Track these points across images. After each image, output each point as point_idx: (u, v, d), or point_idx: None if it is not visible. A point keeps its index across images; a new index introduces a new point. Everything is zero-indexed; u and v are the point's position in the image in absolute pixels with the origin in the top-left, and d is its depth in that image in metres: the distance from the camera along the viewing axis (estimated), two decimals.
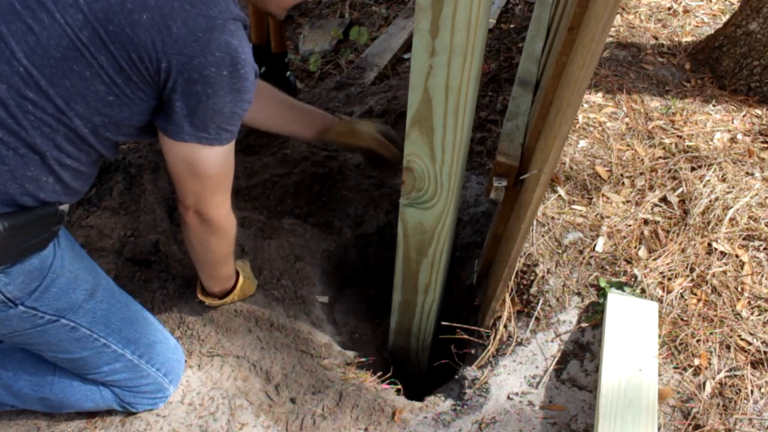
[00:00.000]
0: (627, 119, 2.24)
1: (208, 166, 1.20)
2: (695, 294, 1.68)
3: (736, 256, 1.75)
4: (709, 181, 1.96)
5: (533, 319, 1.69)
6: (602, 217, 1.87)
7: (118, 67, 1.02)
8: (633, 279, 1.71)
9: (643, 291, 1.68)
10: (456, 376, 1.74)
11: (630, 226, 1.85)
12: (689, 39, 2.69)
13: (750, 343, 1.56)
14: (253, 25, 2.17)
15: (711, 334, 1.58)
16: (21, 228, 1.07)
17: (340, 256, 2.18)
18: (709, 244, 1.78)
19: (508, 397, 1.56)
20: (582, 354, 1.61)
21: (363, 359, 1.77)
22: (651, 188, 1.96)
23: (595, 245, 1.80)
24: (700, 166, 2.02)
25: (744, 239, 1.79)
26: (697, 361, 1.54)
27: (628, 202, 1.93)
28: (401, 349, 1.99)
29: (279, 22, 2.15)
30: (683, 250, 1.77)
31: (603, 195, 1.95)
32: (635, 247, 1.79)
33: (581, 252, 1.79)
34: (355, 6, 3.67)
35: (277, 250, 1.94)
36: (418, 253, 1.55)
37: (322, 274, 2.05)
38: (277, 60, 2.28)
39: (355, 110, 2.53)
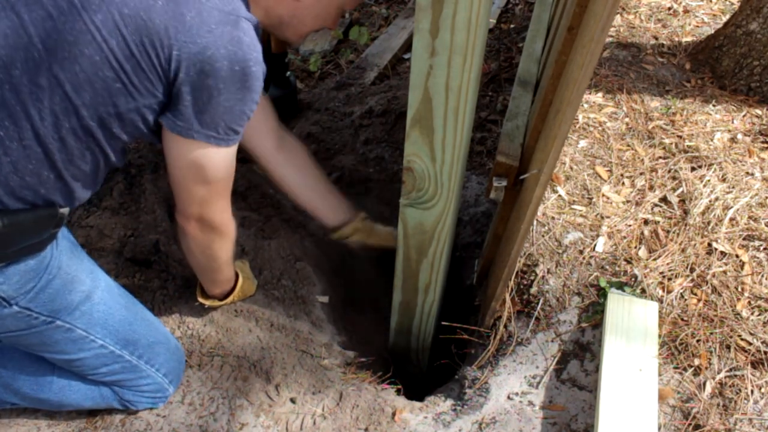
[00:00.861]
0: (627, 119, 2.24)
1: (215, 170, 1.18)
2: (695, 294, 1.68)
3: (736, 256, 1.75)
4: (709, 181, 1.96)
5: (533, 319, 1.69)
6: (602, 217, 1.87)
7: (128, 52, 1.02)
8: (633, 279, 1.71)
9: (643, 291, 1.68)
10: (456, 376, 1.74)
11: (630, 226, 1.85)
12: (689, 39, 2.69)
13: (750, 343, 1.56)
14: None
15: (711, 334, 1.58)
16: (19, 227, 1.06)
17: (340, 255, 2.18)
18: (709, 244, 1.78)
19: (508, 397, 1.56)
20: (582, 354, 1.61)
21: (363, 359, 1.77)
22: (651, 188, 1.96)
23: (595, 245, 1.80)
24: (700, 166, 2.02)
25: (744, 239, 1.79)
26: (697, 361, 1.54)
27: (628, 202, 1.93)
28: (401, 349, 1.99)
29: None
30: (683, 250, 1.77)
31: (603, 195, 1.95)
32: (635, 247, 1.79)
33: (581, 252, 1.79)
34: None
35: (277, 250, 1.94)
36: (418, 253, 1.55)
37: (322, 275, 2.05)
38: (277, 60, 2.28)
39: (355, 110, 2.53)
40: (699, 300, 1.66)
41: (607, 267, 1.75)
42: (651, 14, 2.86)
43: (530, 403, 1.54)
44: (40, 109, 1.02)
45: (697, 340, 1.57)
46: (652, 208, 1.90)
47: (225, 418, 1.54)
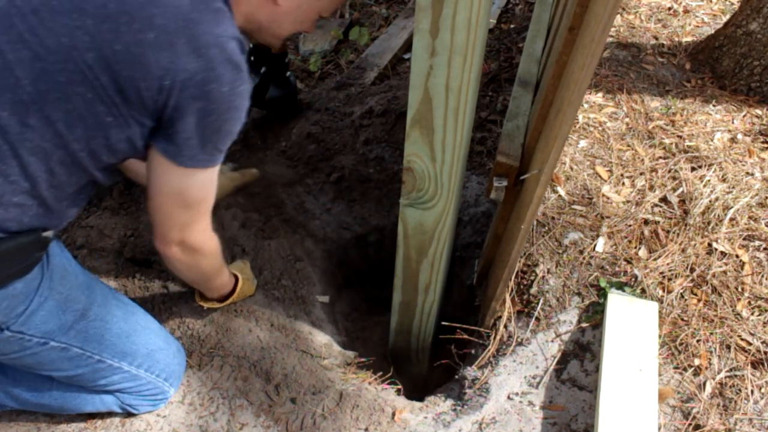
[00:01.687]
0: (627, 119, 2.24)
1: (198, 191, 1.17)
2: (695, 294, 1.67)
3: (736, 256, 1.75)
4: (709, 181, 1.96)
5: (533, 319, 1.69)
6: (602, 217, 1.87)
7: (118, 87, 1.01)
8: (633, 279, 1.71)
9: (643, 291, 1.68)
10: (456, 376, 1.74)
11: (630, 226, 1.85)
12: (689, 39, 2.69)
13: (750, 343, 1.56)
14: None
15: (711, 334, 1.58)
16: (2, 255, 1.05)
17: (340, 255, 2.18)
18: (710, 244, 1.78)
19: (509, 397, 1.56)
20: (582, 354, 1.61)
21: (363, 359, 1.77)
22: (651, 188, 1.96)
23: (595, 245, 1.80)
24: (700, 166, 2.02)
25: (744, 239, 1.79)
26: (697, 361, 1.54)
27: (628, 202, 1.93)
28: (401, 349, 1.99)
29: None
30: (683, 250, 1.77)
31: (603, 195, 1.95)
32: (635, 247, 1.79)
33: (581, 252, 1.79)
34: (355, 6, 3.67)
35: (277, 250, 1.94)
36: (418, 253, 1.55)
37: (322, 275, 2.05)
38: (277, 60, 2.28)
39: (355, 110, 2.53)
40: (699, 300, 1.66)
41: (607, 267, 1.75)
42: (651, 14, 2.86)
43: (530, 403, 1.54)
44: (29, 147, 1.01)
45: (697, 340, 1.57)
46: (652, 208, 1.90)
47: (225, 418, 1.54)
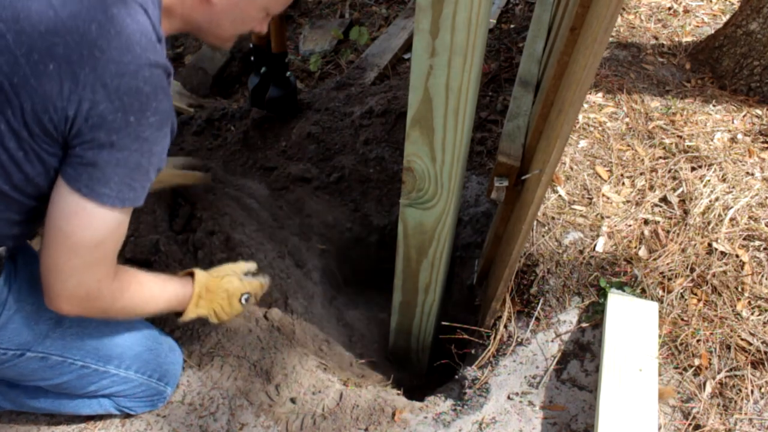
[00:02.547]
0: (627, 119, 2.24)
1: (96, 233, 1.04)
2: (695, 294, 1.68)
3: (736, 256, 1.75)
4: (709, 181, 1.96)
5: (533, 319, 1.69)
6: (602, 217, 1.87)
7: (22, 121, 0.97)
8: (633, 279, 1.71)
9: (643, 291, 1.68)
10: (456, 376, 1.74)
11: (630, 226, 1.85)
12: (689, 39, 2.69)
13: (750, 343, 1.56)
14: None
15: (711, 334, 1.58)
16: None
17: (340, 255, 2.18)
18: (709, 244, 1.78)
19: (509, 397, 1.56)
20: (582, 354, 1.61)
21: (364, 360, 1.77)
22: (651, 188, 1.96)
23: (595, 245, 1.80)
24: (700, 166, 2.02)
25: (744, 239, 1.79)
26: (697, 361, 1.54)
27: (628, 202, 1.93)
28: (401, 349, 1.99)
29: (279, 22, 2.15)
30: (683, 250, 1.77)
31: (603, 195, 1.95)
32: (635, 247, 1.79)
33: (581, 252, 1.79)
34: (355, 6, 3.66)
35: (279, 250, 1.94)
36: (419, 253, 1.55)
37: (323, 274, 2.05)
38: (277, 60, 2.28)
39: (355, 110, 2.53)
40: (699, 300, 1.66)
41: (607, 267, 1.75)
42: (651, 14, 2.86)
43: (530, 403, 1.54)
44: None
45: (697, 340, 1.57)
46: (652, 208, 1.90)
47: (225, 418, 1.53)
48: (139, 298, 1.21)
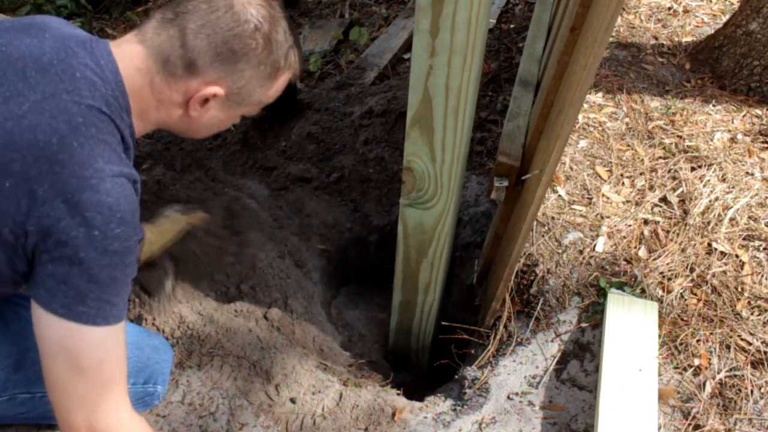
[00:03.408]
0: (627, 119, 2.24)
1: (92, 354, 0.99)
2: (695, 294, 1.68)
3: (736, 256, 1.75)
4: (709, 181, 1.96)
5: (533, 319, 1.69)
6: (602, 217, 1.87)
7: None
8: (633, 279, 1.71)
9: (643, 291, 1.68)
10: (456, 376, 1.74)
11: (630, 226, 1.85)
12: (689, 39, 2.69)
13: (750, 343, 1.56)
14: None
15: (711, 334, 1.58)
16: None
17: (340, 253, 2.18)
18: (709, 244, 1.78)
19: (508, 397, 1.56)
20: (582, 354, 1.61)
21: (363, 360, 1.77)
22: (651, 188, 1.96)
23: (595, 245, 1.80)
24: (700, 166, 2.02)
25: (744, 239, 1.79)
26: (697, 361, 1.54)
27: (628, 202, 1.93)
28: (401, 349, 1.99)
29: None
30: (683, 250, 1.77)
31: (603, 195, 1.95)
32: (635, 247, 1.79)
33: (581, 252, 1.79)
34: (355, 6, 3.66)
35: (279, 250, 1.94)
36: (418, 253, 1.55)
37: (323, 274, 2.05)
38: None
39: (355, 110, 2.53)
40: (699, 300, 1.66)
41: (607, 267, 1.75)
42: (651, 14, 2.86)
43: (530, 403, 1.54)
44: None
45: (697, 340, 1.57)
46: (652, 208, 1.90)
47: (225, 418, 1.53)
48: None
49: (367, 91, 2.65)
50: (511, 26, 3.08)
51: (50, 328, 0.98)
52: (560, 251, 1.80)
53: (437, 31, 1.03)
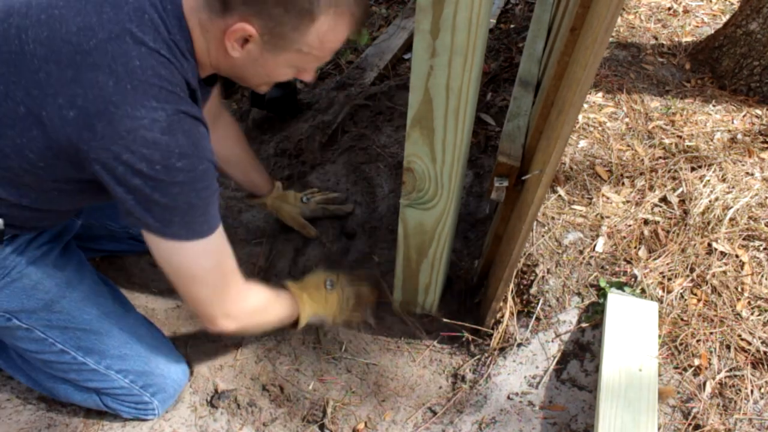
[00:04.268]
0: (627, 119, 2.24)
1: (199, 264, 1.12)
2: (695, 294, 1.68)
3: (736, 256, 1.75)
4: (709, 181, 1.96)
5: (533, 319, 1.69)
6: (602, 217, 1.87)
7: (47, 143, 1.02)
8: (633, 279, 1.71)
9: (643, 291, 1.68)
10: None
11: (630, 226, 1.85)
12: (689, 39, 2.69)
13: (750, 343, 1.56)
14: None
15: (711, 334, 1.58)
16: None
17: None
18: (709, 244, 1.78)
19: (508, 397, 1.56)
20: (582, 354, 1.61)
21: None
22: (651, 188, 1.97)
23: (595, 245, 1.80)
24: (700, 166, 2.02)
25: (744, 239, 1.79)
26: (697, 361, 1.54)
27: (628, 202, 1.93)
28: None
29: None
30: (683, 250, 1.77)
31: (603, 195, 1.95)
32: (635, 247, 1.79)
33: (581, 252, 1.79)
34: None
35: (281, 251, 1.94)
36: (418, 253, 1.55)
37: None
38: None
39: None
40: (699, 300, 1.66)
41: (607, 267, 1.76)
42: (651, 14, 2.87)
43: (530, 403, 1.54)
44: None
45: (697, 340, 1.57)
46: (652, 208, 1.90)
47: (225, 419, 1.54)
48: (268, 314, 1.36)
49: (367, 91, 2.65)
50: (511, 26, 3.08)
51: (158, 247, 1.09)
52: (560, 251, 1.80)
53: (438, 32, 1.03)
